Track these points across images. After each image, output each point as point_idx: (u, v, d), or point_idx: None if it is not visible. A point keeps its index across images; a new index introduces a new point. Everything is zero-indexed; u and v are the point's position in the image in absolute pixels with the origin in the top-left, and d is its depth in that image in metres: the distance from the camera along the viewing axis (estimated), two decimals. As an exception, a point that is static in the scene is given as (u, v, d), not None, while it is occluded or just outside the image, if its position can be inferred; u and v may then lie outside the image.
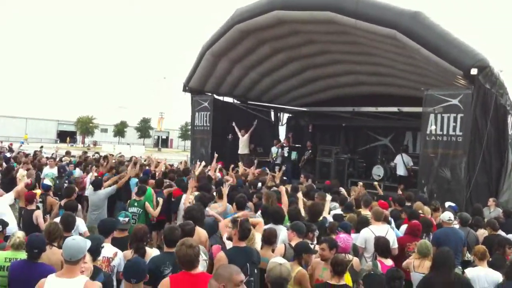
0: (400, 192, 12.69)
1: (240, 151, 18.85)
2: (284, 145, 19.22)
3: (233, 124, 18.98)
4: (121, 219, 6.37)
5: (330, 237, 5.98)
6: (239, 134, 18.86)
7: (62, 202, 8.22)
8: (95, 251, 4.75)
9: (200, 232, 6.16)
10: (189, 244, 4.32)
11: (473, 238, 7.95)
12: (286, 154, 18.84)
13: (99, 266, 5.03)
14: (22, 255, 5.06)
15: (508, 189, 13.13)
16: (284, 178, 14.23)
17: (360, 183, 12.71)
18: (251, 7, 15.59)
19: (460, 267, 6.27)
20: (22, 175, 11.58)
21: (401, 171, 16.17)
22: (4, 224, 6.08)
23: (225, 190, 8.28)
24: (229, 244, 5.71)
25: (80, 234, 6.72)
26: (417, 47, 12.12)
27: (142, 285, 4.57)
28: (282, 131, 23.44)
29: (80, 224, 7.00)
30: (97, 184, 9.47)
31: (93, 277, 4.49)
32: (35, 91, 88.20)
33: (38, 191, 9.62)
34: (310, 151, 19.23)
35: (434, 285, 5.25)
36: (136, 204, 8.80)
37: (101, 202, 9.20)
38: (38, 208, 8.18)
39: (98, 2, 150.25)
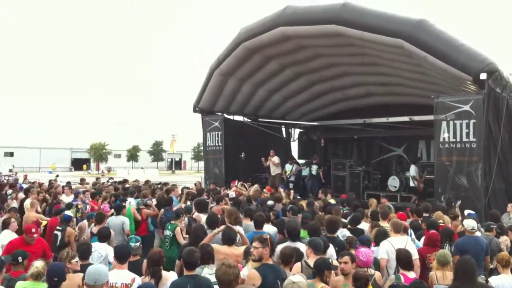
0: (414, 202, 12.55)
1: (272, 173, 18.83)
2: (314, 162, 19.07)
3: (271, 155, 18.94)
4: (132, 244, 6.35)
5: (350, 251, 5.91)
6: (270, 161, 18.81)
7: (95, 229, 8.28)
8: None
9: (234, 251, 6.29)
10: (229, 264, 4.38)
11: (495, 245, 7.79)
12: (314, 172, 18.76)
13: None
14: (42, 285, 5.07)
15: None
16: (298, 197, 14.24)
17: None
18: (257, 24, 15.72)
19: (483, 276, 6.13)
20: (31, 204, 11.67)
21: (412, 182, 16.08)
22: (25, 256, 6.07)
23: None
24: None
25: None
26: (424, 55, 12.10)
27: None
28: (294, 146, 23.40)
29: (110, 253, 6.92)
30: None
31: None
32: (47, 120, 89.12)
33: (44, 222, 9.74)
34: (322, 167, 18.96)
35: (460, 296, 5.14)
36: (170, 227, 8.76)
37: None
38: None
39: (107, 29, 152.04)
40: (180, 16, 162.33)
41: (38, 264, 5.31)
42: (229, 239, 6.51)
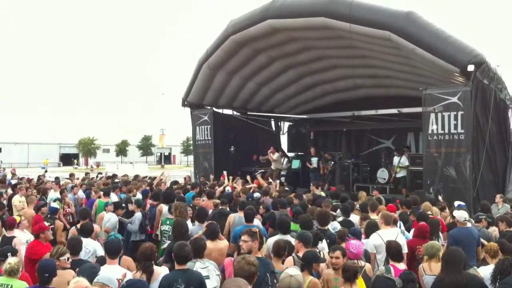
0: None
1: (273, 167, 18.93)
2: (313, 155, 19.02)
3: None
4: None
5: (341, 245, 5.89)
6: (270, 156, 18.90)
7: (78, 225, 8.18)
8: (92, 278, 4.72)
9: (219, 245, 6.29)
10: (249, 261, 4.34)
11: (486, 236, 7.84)
12: (315, 165, 18.57)
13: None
14: (16, 281, 5.08)
15: (515, 184, 13.06)
16: (286, 188, 14.27)
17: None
18: (245, 17, 15.66)
19: (475, 267, 6.17)
20: (19, 201, 11.54)
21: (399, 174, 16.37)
22: (13, 252, 6.04)
23: None
24: None
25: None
26: (412, 47, 12.14)
27: None
28: (283, 140, 23.41)
29: (98, 248, 7.00)
30: None
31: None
32: (35, 115, 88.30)
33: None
34: (331, 161, 18.59)
35: (446, 286, 5.17)
36: (168, 222, 8.72)
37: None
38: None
39: (95, 21, 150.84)
40: (180, 16, 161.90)
41: (12, 260, 5.27)
42: (213, 233, 6.51)
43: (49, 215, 9.40)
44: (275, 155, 18.93)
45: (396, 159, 16.57)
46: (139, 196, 11.56)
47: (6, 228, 7.86)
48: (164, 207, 9.34)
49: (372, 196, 12.08)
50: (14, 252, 6.05)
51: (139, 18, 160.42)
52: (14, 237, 7.68)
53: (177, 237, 6.36)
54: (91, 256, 6.81)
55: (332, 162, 18.31)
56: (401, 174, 16.36)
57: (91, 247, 7.01)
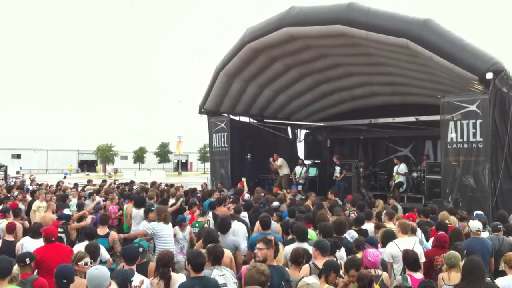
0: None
1: (280, 173, 18.67)
2: (336, 163, 18.87)
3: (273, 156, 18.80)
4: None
5: (353, 260, 5.68)
6: (273, 163, 18.68)
7: (99, 230, 8.32)
8: (122, 286, 4.74)
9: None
10: (259, 270, 4.34)
11: (508, 245, 7.73)
12: (338, 174, 18.19)
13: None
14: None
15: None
16: (303, 197, 14.24)
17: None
18: (262, 25, 15.73)
19: (488, 278, 6.09)
20: (38, 206, 11.70)
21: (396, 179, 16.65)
22: (32, 257, 6.07)
23: None
24: None
25: (103, 262, 6.78)
26: (430, 54, 12.07)
27: None
28: (300, 147, 23.37)
29: (103, 252, 7.05)
30: None
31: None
32: (54, 122, 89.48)
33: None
34: (363, 169, 18.43)
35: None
36: (197, 225, 8.81)
37: None
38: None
39: (95, 21, 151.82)
40: (180, 16, 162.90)
41: (15, 268, 5.16)
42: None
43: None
44: (279, 161, 18.62)
45: (396, 167, 16.83)
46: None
47: (7, 232, 7.96)
48: (135, 210, 10.14)
49: (389, 204, 12.01)
50: (32, 258, 6.04)
51: (139, 18, 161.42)
52: (15, 241, 7.82)
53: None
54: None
55: (366, 170, 18.30)
56: (398, 179, 16.58)
57: None
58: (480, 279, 5.15)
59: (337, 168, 18.25)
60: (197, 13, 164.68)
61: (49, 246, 6.80)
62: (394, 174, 16.83)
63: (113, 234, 8.41)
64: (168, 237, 8.19)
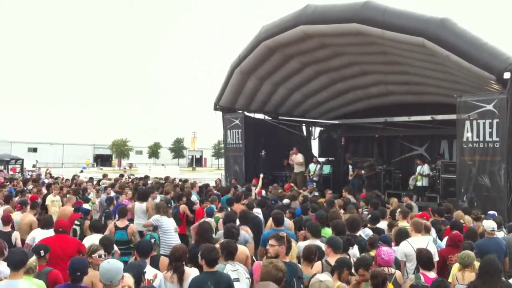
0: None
1: (295, 170, 18.60)
2: (348, 162, 18.84)
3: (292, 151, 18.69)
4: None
5: (362, 259, 5.63)
6: (292, 158, 18.60)
7: (119, 222, 8.48)
8: (138, 277, 4.80)
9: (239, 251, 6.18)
10: (277, 266, 4.39)
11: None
12: (351, 172, 18.34)
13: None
14: (31, 279, 5.05)
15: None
16: (316, 193, 14.23)
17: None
18: (277, 23, 15.73)
19: (503, 278, 6.07)
20: (51, 201, 11.85)
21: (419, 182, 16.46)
22: (47, 249, 6.16)
23: None
24: None
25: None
26: (447, 53, 11.99)
27: None
28: (314, 145, 23.35)
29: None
30: None
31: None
32: (70, 117, 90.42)
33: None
34: (366, 169, 18.42)
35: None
36: (214, 219, 8.95)
37: None
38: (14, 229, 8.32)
39: (95, 21, 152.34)
40: (180, 16, 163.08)
41: (31, 259, 5.22)
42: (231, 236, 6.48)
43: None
44: (300, 156, 18.49)
45: (419, 168, 16.59)
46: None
47: (3, 223, 8.11)
48: (137, 204, 10.52)
49: (403, 203, 11.97)
50: (47, 250, 6.07)
51: (139, 18, 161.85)
52: (11, 231, 7.97)
53: (200, 241, 6.42)
54: None
55: (370, 171, 18.19)
56: (420, 183, 16.41)
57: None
58: (496, 277, 5.16)
59: (350, 167, 18.25)
60: (197, 13, 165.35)
61: (57, 237, 6.94)
62: (416, 174, 16.61)
63: (132, 227, 8.56)
64: (171, 230, 8.44)
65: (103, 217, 10.40)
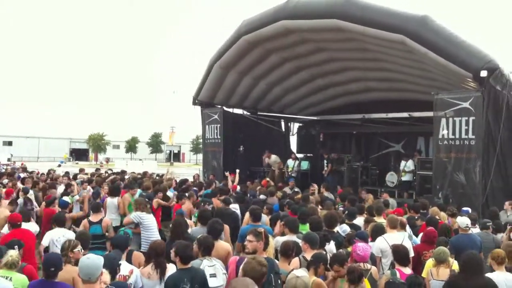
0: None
1: (273, 167, 18.77)
2: (325, 157, 18.93)
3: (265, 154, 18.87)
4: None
5: (337, 255, 5.67)
6: (267, 159, 18.80)
7: (92, 217, 8.36)
8: (112, 270, 4.73)
9: (219, 246, 6.13)
10: (260, 262, 4.35)
11: (498, 242, 7.78)
12: (325, 167, 18.57)
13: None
14: (14, 274, 5.06)
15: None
16: (296, 189, 14.24)
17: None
18: (258, 17, 15.67)
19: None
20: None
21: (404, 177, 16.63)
22: (20, 244, 6.06)
23: None
24: None
25: None
26: (425, 51, 12.08)
27: None
28: (293, 140, 23.38)
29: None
30: None
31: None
32: (45, 110, 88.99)
33: None
34: (330, 162, 18.85)
35: (463, 288, 5.13)
36: (197, 215, 8.88)
37: None
38: None
39: (95, 21, 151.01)
40: (180, 16, 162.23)
41: (13, 253, 5.27)
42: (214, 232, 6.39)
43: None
44: (272, 158, 18.70)
45: (402, 163, 16.73)
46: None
47: None
48: (109, 200, 10.47)
49: (380, 199, 12.05)
50: (21, 245, 6.05)
51: (139, 18, 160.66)
52: None
53: (175, 237, 6.38)
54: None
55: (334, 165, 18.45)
56: (406, 178, 16.52)
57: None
58: (478, 272, 5.19)
59: (325, 162, 18.41)
60: (197, 13, 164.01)
61: (15, 231, 6.98)
62: (401, 170, 16.75)
63: (106, 220, 8.44)
64: (152, 226, 8.31)
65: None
